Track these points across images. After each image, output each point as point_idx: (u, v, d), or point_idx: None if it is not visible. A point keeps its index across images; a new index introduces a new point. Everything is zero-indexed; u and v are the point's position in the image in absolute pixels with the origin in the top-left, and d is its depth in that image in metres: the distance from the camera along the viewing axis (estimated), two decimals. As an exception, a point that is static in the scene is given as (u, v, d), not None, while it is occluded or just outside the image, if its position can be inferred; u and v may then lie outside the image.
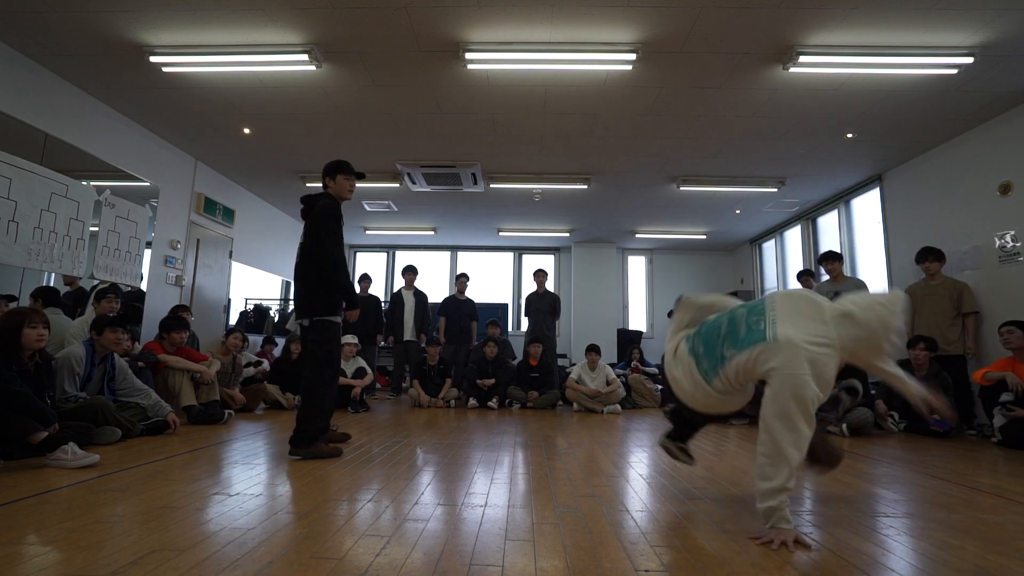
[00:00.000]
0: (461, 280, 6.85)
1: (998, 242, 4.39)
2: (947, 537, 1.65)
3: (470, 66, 3.76)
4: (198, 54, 3.69)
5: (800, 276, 5.98)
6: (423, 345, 6.17)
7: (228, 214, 6.42)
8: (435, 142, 5.27)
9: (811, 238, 7.24)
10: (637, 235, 8.73)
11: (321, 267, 2.83)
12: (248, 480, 2.23)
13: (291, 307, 8.02)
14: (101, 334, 3.28)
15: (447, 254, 10.05)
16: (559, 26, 3.40)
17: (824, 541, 1.59)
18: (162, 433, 3.33)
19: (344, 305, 2.94)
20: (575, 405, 5.63)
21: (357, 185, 3.22)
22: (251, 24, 3.44)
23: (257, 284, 7.33)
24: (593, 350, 5.84)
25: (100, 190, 4.44)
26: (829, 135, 4.90)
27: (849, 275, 5.47)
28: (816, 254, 6.95)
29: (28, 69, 3.85)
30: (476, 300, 6.97)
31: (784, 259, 8.12)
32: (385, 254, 10.19)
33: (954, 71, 3.72)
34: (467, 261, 9.98)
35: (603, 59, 3.65)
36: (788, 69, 3.72)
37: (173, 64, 3.81)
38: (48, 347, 2.90)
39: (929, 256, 4.58)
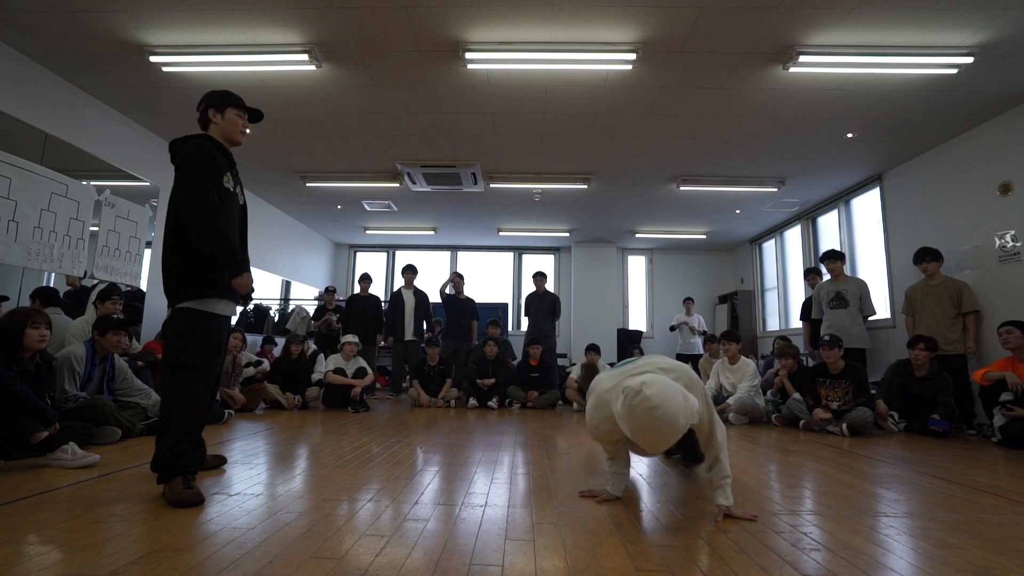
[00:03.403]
0: (457, 279, 6.79)
1: (998, 242, 4.39)
2: (947, 537, 1.65)
3: (470, 66, 3.76)
4: (198, 54, 3.69)
5: (808, 274, 6.02)
6: (423, 345, 6.17)
7: (228, 214, 6.39)
8: (435, 142, 5.27)
9: (811, 238, 7.24)
10: (637, 235, 8.73)
11: (188, 227, 2.00)
12: (248, 480, 2.23)
13: (291, 307, 8.03)
14: (104, 335, 3.28)
15: (447, 254, 10.05)
16: (559, 26, 3.40)
17: (824, 541, 1.59)
18: (162, 433, 3.33)
19: (227, 275, 2.11)
20: (575, 405, 5.63)
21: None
22: (251, 24, 3.44)
23: (257, 284, 7.31)
24: (593, 350, 5.84)
25: (100, 190, 4.44)
26: (829, 135, 4.90)
27: (850, 274, 5.47)
28: (816, 254, 6.96)
29: (28, 69, 3.85)
30: (476, 300, 6.96)
31: (784, 259, 8.13)
32: (385, 254, 10.20)
33: (954, 71, 3.72)
34: (467, 261, 9.99)
35: (603, 59, 3.65)
36: (788, 69, 3.72)
37: (173, 64, 3.81)
38: (48, 347, 2.90)
39: (927, 257, 4.58)
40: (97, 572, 1.25)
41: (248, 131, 2.44)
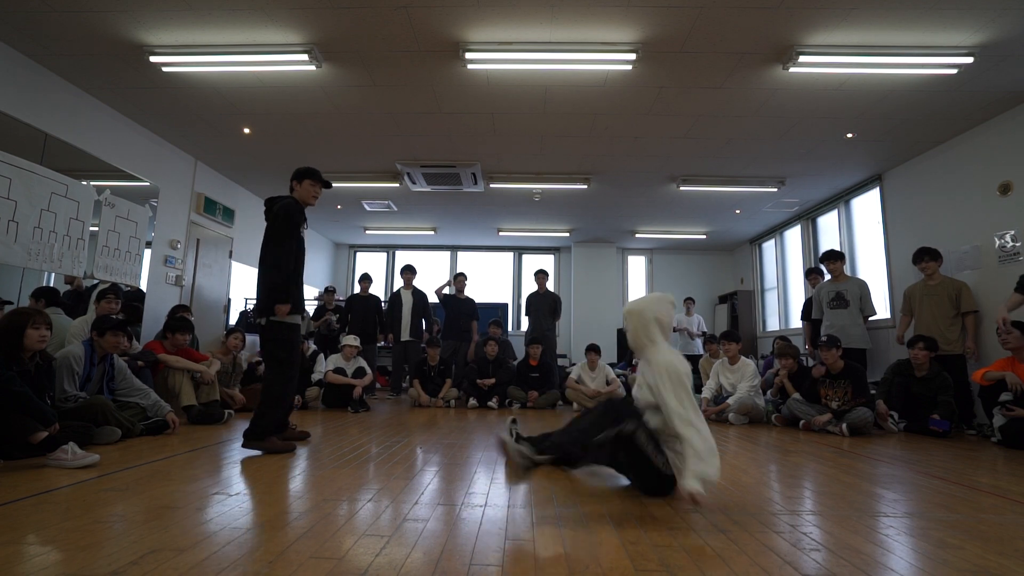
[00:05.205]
0: (460, 279, 6.83)
1: (998, 242, 4.39)
2: (947, 537, 1.65)
3: (470, 66, 3.76)
4: (198, 54, 3.69)
5: (809, 274, 6.02)
6: (423, 345, 6.17)
7: (228, 214, 6.42)
8: (435, 142, 5.27)
9: (811, 238, 7.24)
10: (637, 235, 8.73)
11: (263, 267, 2.95)
12: (248, 480, 2.23)
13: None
14: (102, 336, 3.27)
15: (447, 254, 10.05)
16: (559, 26, 3.40)
17: (824, 541, 1.59)
18: (162, 433, 3.33)
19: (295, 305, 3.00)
20: (575, 405, 5.62)
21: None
22: (251, 24, 3.44)
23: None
24: (593, 350, 5.84)
25: (100, 190, 4.44)
26: (829, 135, 4.90)
27: (850, 275, 5.47)
28: (816, 254, 6.96)
29: (28, 69, 3.85)
30: (476, 300, 6.96)
31: (784, 259, 8.13)
32: (385, 254, 10.20)
33: (954, 71, 3.72)
34: (467, 261, 9.99)
35: (603, 59, 3.65)
36: (788, 69, 3.72)
37: (173, 64, 3.81)
38: (48, 347, 2.89)
39: (925, 256, 4.58)
40: (97, 572, 1.25)
41: (318, 197, 3.20)
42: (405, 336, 6.52)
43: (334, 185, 6.32)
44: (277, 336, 2.94)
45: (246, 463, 2.57)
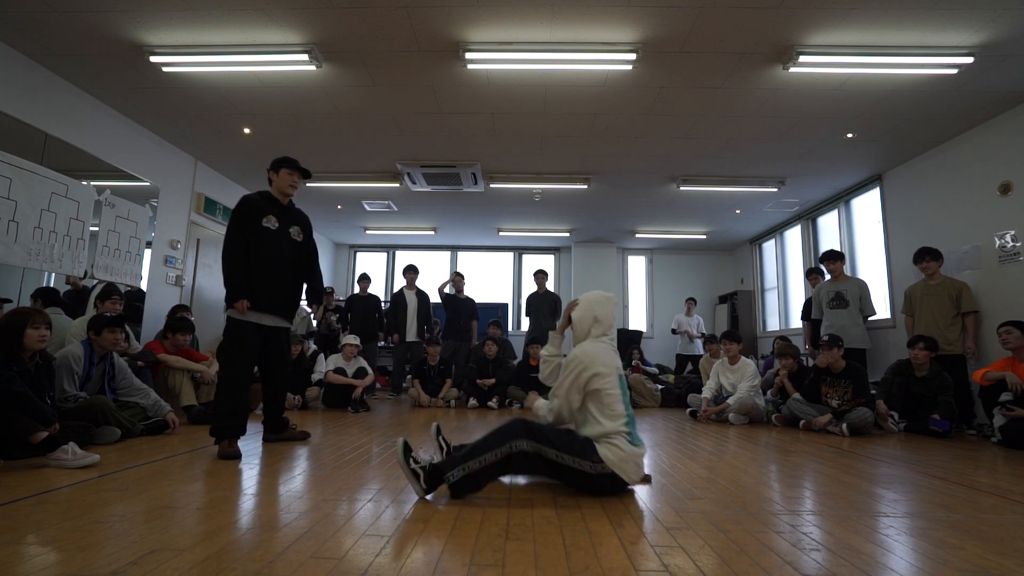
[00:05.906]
0: (458, 279, 6.82)
1: (998, 242, 4.39)
2: (947, 537, 1.65)
3: (470, 66, 3.76)
4: (198, 54, 3.69)
5: (809, 274, 6.03)
6: (425, 345, 6.17)
7: (228, 214, 6.41)
8: (435, 142, 5.27)
9: (811, 238, 7.24)
10: (637, 235, 8.73)
11: None
12: (247, 480, 2.23)
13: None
14: (99, 334, 3.27)
15: (447, 254, 10.05)
16: (559, 26, 3.40)
17: (824, 541, 1.59)
18: (162, 433, 3.33)
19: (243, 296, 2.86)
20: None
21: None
22: (251, 24, 3.44)
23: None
24: (593, 350, 5.82)
25: (100, 190, 4.44)
26: (829, 135, 4.90)
27: (850, 275, 5.47)
28: (816, 254, 6.96)
29: (28, 69, 3.85)
30: (476, 300, 6.96)
31: (784, 259, 8.13)
32: (385, 254, 10.20)
33: (954, 71, 3.72)
34: (467, 261, 9.99)
35: (603, 59, 3.65)
36: (788, 69, 3.72)
37: (173, 64, 3.81)
38: (48, 347, 2.90)
39: (926, 256, 4.58)
40: (97, 572, 1.25)
41: (296, 186, 3.12)
42: (411, 336, 6.52)
43: (335, 185, 6.43)
44: (224, 332, 2.89)
45: (246, 463, 2.57)
